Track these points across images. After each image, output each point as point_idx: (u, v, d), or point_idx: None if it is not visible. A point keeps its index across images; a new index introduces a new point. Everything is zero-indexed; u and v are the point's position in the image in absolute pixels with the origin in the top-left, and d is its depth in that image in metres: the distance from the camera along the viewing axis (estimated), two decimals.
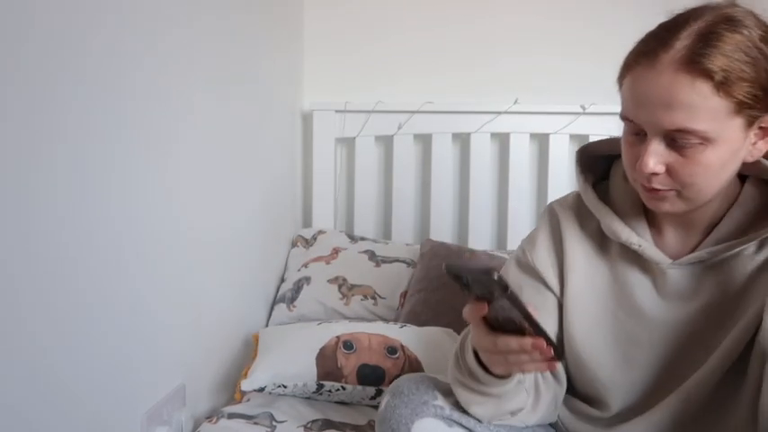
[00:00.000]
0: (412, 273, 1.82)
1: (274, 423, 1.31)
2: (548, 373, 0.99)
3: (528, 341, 0.75)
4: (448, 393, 0.97)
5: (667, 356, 0.95)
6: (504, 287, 0.69)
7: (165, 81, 1.23)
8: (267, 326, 1.80)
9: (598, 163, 1.03)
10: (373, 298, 1.79)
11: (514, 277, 1.04)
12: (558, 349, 0.76)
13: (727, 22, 0.79)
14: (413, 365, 1.45)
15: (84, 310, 1.01)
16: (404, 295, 1.79)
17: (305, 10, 2.10)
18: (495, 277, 0.68)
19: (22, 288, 0.88)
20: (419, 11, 2.07)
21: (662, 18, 0.84)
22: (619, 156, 0.95)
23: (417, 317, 1.66)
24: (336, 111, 2.04)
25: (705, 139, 0.79)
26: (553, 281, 1.01)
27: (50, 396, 0.94)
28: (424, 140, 2.09)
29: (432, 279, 1.73)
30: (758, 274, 0.90)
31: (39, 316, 0.91)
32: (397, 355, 1.45)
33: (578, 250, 1.00)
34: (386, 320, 1.71)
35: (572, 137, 1.96)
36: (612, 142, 0.98)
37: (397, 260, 1.87)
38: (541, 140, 2.02)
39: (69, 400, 0.99)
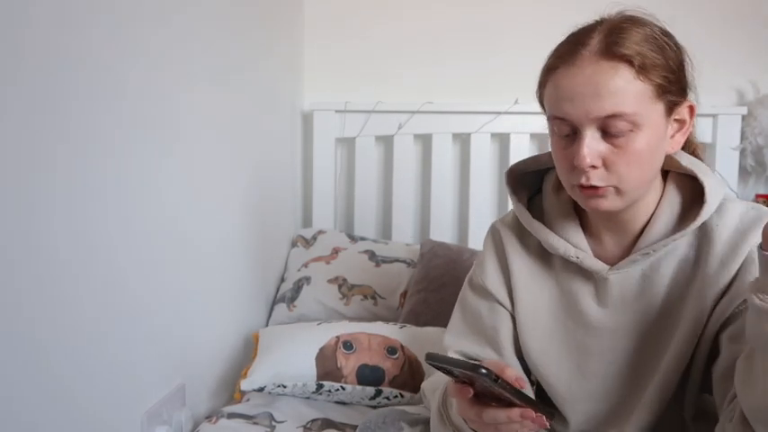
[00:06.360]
0: (412, 273, 1.82)
1: (274, 423, 1.31)
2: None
3: (516, 412, 0.76)
4: (414, 423, 1.01)
5: (620, 365, 0.95)
6: (494, 379, 0.70)
7: (165, 81, 1.23)
8: (267, 326, 1.80)
9: (529, 179, 1.04)
10: (373, 298, 1.80)
11: (470, 300, 1.07)
12: (548, 409, 0.76)
13: (630, 20, 0.87)
14: (412, 366, 1.45)
15: (83, 309, 1.01)
16: (404, 295, 1.79)
17: (305, 10, 2.11)
18: (484, 372, 0.69)
19: (21, 288, 0.88)
20: (419, 11, 2.07)
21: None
22: (547, 170, 1.00)
23: (417, 317, 1.66)
24: (336, 111, 2.04)
25: (634, 124, 0.83)
26: (505, 299, 1.03)
27: (50, 396, 0.94)
28: (424, 140, 2.09)
29: (432, 279, 1.73)
30: (693, 270, 0.90)
31: (38, 316, 0.91)
32: (396, 356, 1.45)
33: (522, 267, 1.02)
34: (386, 320, 1.71)
35: None
36: (539, 159, 1.03)
37: (397, 260, 1.87)
38: (541, 141, 2.01)
39: (69, 400, 0.99)
